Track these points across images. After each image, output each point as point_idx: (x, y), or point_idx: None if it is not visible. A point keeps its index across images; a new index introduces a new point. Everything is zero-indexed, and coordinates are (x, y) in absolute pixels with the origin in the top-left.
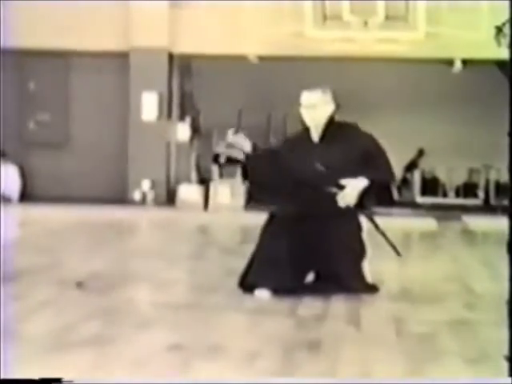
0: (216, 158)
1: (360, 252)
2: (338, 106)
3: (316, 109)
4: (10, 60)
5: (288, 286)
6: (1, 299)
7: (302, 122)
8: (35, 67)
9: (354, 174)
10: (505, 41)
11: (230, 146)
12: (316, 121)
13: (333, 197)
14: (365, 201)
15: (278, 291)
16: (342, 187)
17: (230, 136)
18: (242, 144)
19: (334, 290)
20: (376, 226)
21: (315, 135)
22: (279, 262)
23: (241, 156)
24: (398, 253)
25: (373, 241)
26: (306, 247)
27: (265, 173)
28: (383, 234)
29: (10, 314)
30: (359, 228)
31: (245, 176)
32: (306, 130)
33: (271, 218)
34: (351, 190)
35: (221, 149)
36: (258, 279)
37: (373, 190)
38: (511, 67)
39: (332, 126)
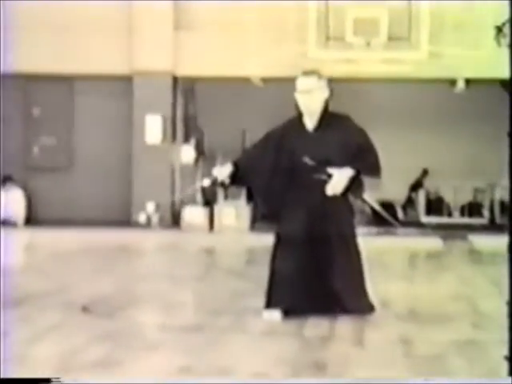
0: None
1: (360, 266)
2: (331, 93)
3: (311, 94)
4: (15, 85)
5: (298, 307)
6: (1, 322)
7: (297, 108)
8: (39, 92)
9: (342, 164)
10: (505, 41)
11: (215, 179)
12: (311, 107)
13: (323, 185)
14: (352, 190)
15: (288, 312)
16: (330, 176)
17: (216, 170)
18: (221, 172)
19: (337, 311)
20: (365, 202)
21: (309, 123)
22: (288, 283)
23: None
24: (392, 224)
25: (379, 262)
26: (312, 268)
27: (255, 162)
28: (375, 209)
29: (17, 338)
30: (355, 237)
31: (249, 197)
32: (299, 116)
33: (278, 240)
34: (339, 178)
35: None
36: (271, 300)
37: (359, 181)
38: (511, 68)
39: (327, 115)
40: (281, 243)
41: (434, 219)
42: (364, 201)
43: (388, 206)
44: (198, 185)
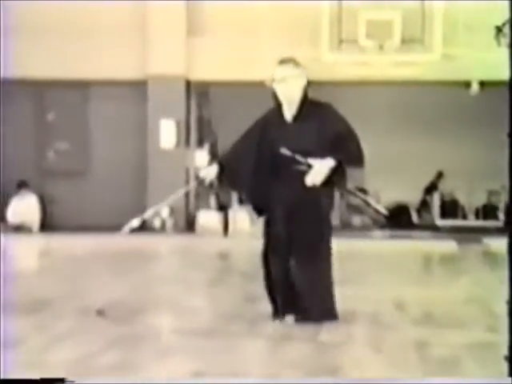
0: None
1: (327, 270)
2: (308, 82)
3: (288, 83)
4: (30, 90)
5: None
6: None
7: (275, 98)
8: (54, 97)
9: (323, 155)
10: (505, 41)
11: (202, 180)
12: (289, 96)
13: (303, 177)
14: (334, 181)
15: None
16: (310, 166)
17: (203, 171)
18: (208, 173)
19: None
20: (354, 194)
21: (288, 114)
22: (278, 289)
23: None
24: (383, 213)
25: (394, 265)
26: (289, 270)
27: (239, 159)
28: (365, 200)
29: (32, 343)
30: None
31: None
32: (279, 107)
33: (266, 241)
34: (318, 168)
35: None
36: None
37: (341, 172)
38: (511, 66)
39: (306, 104)
40: (268, 244)
41: (448, 222)
42: (350, 192)
43: (402, 208)
44: (185, 189)
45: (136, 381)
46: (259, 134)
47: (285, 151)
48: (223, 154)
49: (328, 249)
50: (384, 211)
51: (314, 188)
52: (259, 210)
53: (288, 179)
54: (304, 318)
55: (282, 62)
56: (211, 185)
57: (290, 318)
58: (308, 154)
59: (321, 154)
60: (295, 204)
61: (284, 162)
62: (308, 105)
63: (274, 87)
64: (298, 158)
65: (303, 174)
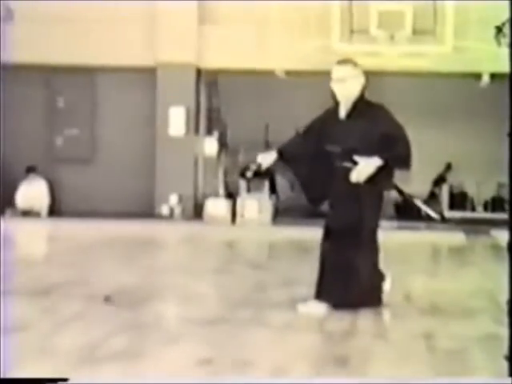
0: (243, 173)
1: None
2: (367, 80)
3: (345, 83)
4: (39, 76)
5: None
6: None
7: (334, 97)
8: (63, 83)
9: (370, 153)
10: (505, 40)
11: (259, 165)
12: (346, 95)
13: (349, 172)
14: (379, 180)
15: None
16: (356, 164)
17: (260, 156)
18: (265, 159)
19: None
20: (401, 192)
21: (343, 111)
22: (339, 277)
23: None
24: (434, 214)
25: (402, 256)
26: (340, 260)
27: (298, 151)
28: (415, 204)
29: (39, 329)
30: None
31: (272, 190)
32: (336, 105)
33: (326, 232)
34: (364, 166)
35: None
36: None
37: (387, 171)
38: (511, 66)
39: (360, 103)
40: (324, 234)
41: (457, 214)
42: (400, 193)
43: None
44: (254, 165)
45: (145, 369)
46: (318, 130)
47: (331, 148)
48: (283, 143)
49: (366, 243)
50: (435, 215)
51: (357, 185)
52: (312, 200)
53: (336, 174)
54: (343, 303)
55: (341, 62)
56: (269, 171)
57: (321, 305)
58: (355, 151)
59: (368, 152)
60: (339, 198)
61: (334, 158)
62: (362, 104)
63: (332, 86)
64: (342, 154)
65: (349, 170)
